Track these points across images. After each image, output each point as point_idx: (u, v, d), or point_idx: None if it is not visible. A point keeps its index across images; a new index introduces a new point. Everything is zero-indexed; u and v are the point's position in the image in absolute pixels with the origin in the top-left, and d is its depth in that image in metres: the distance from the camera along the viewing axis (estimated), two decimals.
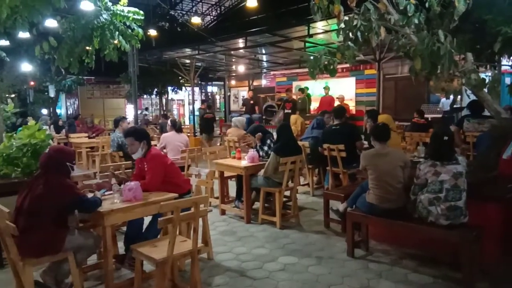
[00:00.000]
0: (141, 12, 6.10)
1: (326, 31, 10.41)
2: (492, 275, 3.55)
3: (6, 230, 2.72)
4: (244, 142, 7.76)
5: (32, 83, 16.34)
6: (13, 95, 15.29)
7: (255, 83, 20.01)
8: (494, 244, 3.62)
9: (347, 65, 12.29)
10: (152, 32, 12.57)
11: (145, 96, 20.02)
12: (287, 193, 5.51)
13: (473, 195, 3.50)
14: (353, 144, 6.06)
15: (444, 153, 3.52)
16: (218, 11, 22.10)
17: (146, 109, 21.83)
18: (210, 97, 22.84)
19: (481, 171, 4.05)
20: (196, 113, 15.91)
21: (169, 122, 7.49)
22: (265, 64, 17.39)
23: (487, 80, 3.83)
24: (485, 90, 3.90)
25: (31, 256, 2.87)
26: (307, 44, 11.98)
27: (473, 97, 4.30)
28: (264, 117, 12.65)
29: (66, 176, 3.13)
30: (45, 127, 7.02)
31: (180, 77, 17.09)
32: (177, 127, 7.11)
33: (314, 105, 13.30)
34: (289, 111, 11.48)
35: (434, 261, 3.86)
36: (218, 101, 23.87)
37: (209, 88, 23.11)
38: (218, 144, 12.25)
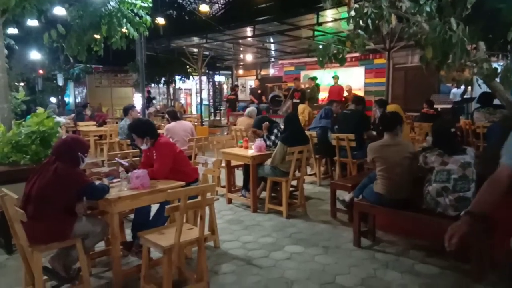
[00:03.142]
0: None
1: (335, 20, 10.30)
2: (502, 267, 3.52)
3: (15, 216, 2.74)
4: (252, 131, 7.74)
5: (40, 71, 16.43)
6: (22, 84, 15.38)
7: (263, 73, 19.91)
8: (504, 236, 3.58)
9: (356, 55, 12.21)
10: (160, 21, 12.49)
11: (152, 85, 20.02)
12: (294, 182, 5.50)
13: None
14: (360, 132, 6.09)
15: (449, 146, 3.48)
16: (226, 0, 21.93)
17: (154, 98, 21.82)
18: (218, 86, 22.79)
19: (492, 162, 3.99)
20: (204, 102, 15.92)
21: (166, 115, 7.41)
22: (273, 53, 17.29)
23: (499, 70, 3.76)
24: (497, 80, 3.83)
25: (40, 242, 2.89)
26: (316, 33, 11.87)
27: (484, 87, 4.24)
28: (271, 107, 12.58)
29: (75, 165, 3.15)
30: (54, 115, 7.04)
31: (187, 66, 17.06)
32: (177, 116, 7.12)
33: (323, 95, 13.21)
34: (298, 100, 11.41)
35: (441, 252, 3.83)
36: (225, 90, 23.83)
37: (217, 78, 23.05)
38: (226, 134, 12.24)
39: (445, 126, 3.69)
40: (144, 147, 3.95)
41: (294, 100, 11.48)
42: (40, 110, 4.59)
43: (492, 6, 4.04)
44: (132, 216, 4.13)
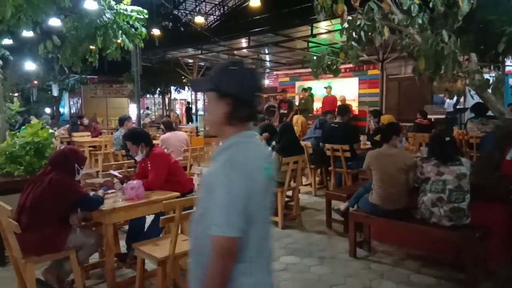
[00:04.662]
0: (145, 11, 6.09)
1: (329, 31, 10.40)
2: (497, 276, 3.54)
3: (9, 227, 2.72)
4: None
5: (35, 82, 16.41)
6: (16, 94, 15.35)
7: None
8: (498, 245, 3.60)
9: (350, 65, 12.31)
10: (156, 32, 12.57)
11: (148, 95, 20.04)
12: (289, 193, 5.50)
13: (477, 195, 3.48)
14: (349, 144, 6.04)
15: (447, 155, 3.50)
16: (222, 11, 22.11)
17: (147, 108, 21.80)
18: None
19: (485, 171, 4.03)
20: (199, 113, 15.96)
21: (162, 126, 7.43)
22: (268, 64, 17.38)
23: (491, 81, 3.81)
24: (489, 90, 3.88)
25: (33, 254, 2.87)
26: (310, 44, 11.97)
27: (477, 97, 4.28)
28: (266, 117, 12.63)
29: (71, 176, 3.14)
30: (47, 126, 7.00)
31: (183, 77, 17.10)
32: (172, 127, 7.12)
33: (317, 105, 13.27)
34: (285, 111, 11.46)
35: (437, 262, 3.84)
36: None
37: None
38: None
39: (440, 134, 3.72)
40: (139, 157, 3.94)
41: (282, 111, 11.51)
42: (34, 120, 4.58)
43: (483, 18, 4.11)
44: (126, 227, 4.10)
